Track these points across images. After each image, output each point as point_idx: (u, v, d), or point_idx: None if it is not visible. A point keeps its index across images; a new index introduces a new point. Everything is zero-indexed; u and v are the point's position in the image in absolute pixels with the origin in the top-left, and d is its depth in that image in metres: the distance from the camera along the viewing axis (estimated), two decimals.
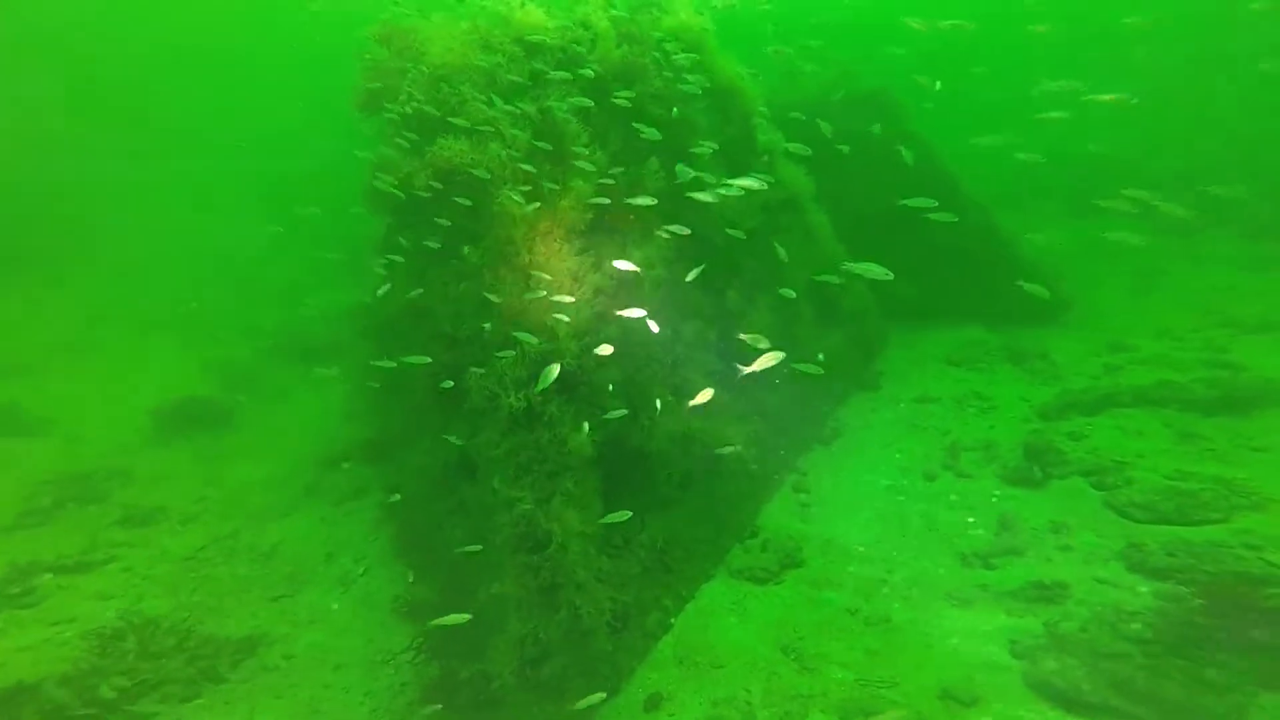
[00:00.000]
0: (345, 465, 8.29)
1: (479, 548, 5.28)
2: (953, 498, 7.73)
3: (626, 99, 6.76)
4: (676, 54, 7.69)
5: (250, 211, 21.03)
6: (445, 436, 5.91)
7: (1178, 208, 7.54)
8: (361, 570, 6.80)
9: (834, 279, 6.92)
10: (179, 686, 5.10)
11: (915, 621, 6.04)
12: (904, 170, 9.06)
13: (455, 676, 4.95)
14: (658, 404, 6.37)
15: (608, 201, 6.41)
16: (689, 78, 7.64)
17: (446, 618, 4.50)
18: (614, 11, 7.73)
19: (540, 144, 6.25)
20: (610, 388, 6.06)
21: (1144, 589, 6.05)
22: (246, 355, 13.65)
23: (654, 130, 6.68)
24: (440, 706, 4.71)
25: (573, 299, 5.72)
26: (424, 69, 6.57)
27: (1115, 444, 8.14)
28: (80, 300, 16.92)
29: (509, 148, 6.04)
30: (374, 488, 8.19)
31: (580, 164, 6.23)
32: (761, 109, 9.29)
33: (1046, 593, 6.28)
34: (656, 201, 6.54)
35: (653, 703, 5.31)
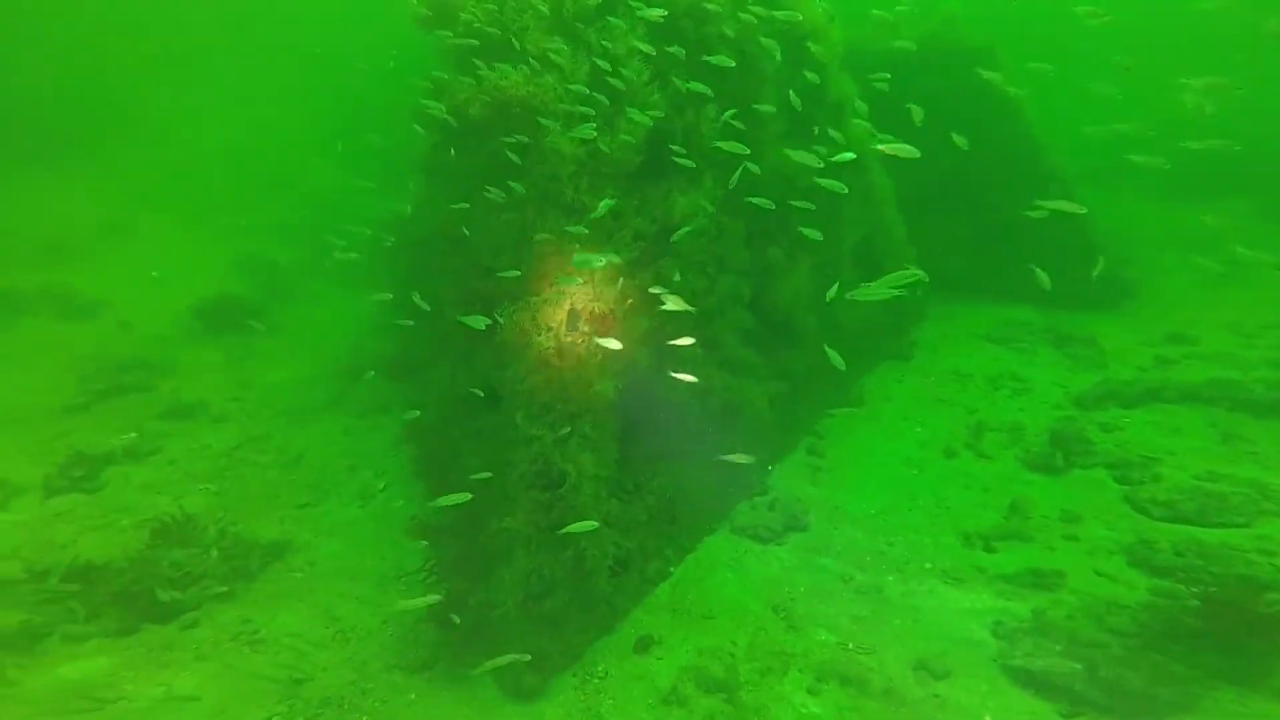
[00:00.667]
0: (369, 375, 8.61)
1: (489, 475, 5.53)
2: (968, 477, 7.74)
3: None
4: None
5: (312, 121, 20.81)
6: (472, 383, 6.06)
7: None
8: (381, 486, 7.26)
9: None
10: (215, 581, 5.67)
11: (905, 594, 6.22)
12: (986, 136, 8.47)
13: (460, 600, 5.36)
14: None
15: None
16: (759, 12, 7.20)
17: (449, 497, 4.80)
18: None
19: (597, 82, 6.04)
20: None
21: (1142, 585, 6.12)
22: (284, 257, 14.08)
23: (725, 57, 6.39)
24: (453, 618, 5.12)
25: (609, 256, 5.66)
26: None
27: (1148, 439, 7.98)
28: (127, 185, 17.42)
29: (566, 81, 5.86)
30: (398, 403, 8.56)
31: (633, 112, 6.02)
32: (838, 55, 8.72)
33: (1041, 580, 6.38)
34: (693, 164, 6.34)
35: (643, 644, 5.67)
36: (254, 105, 22.17)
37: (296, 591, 5.82)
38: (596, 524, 5.21)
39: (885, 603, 6.16)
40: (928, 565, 6.58)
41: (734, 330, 7.17)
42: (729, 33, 7.16)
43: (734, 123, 6.71)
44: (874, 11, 12.24)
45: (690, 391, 6.57)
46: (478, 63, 6.04)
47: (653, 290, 5.43)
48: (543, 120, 5.60)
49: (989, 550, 6.76)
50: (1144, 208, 14.82)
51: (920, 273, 5.20)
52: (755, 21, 7.31)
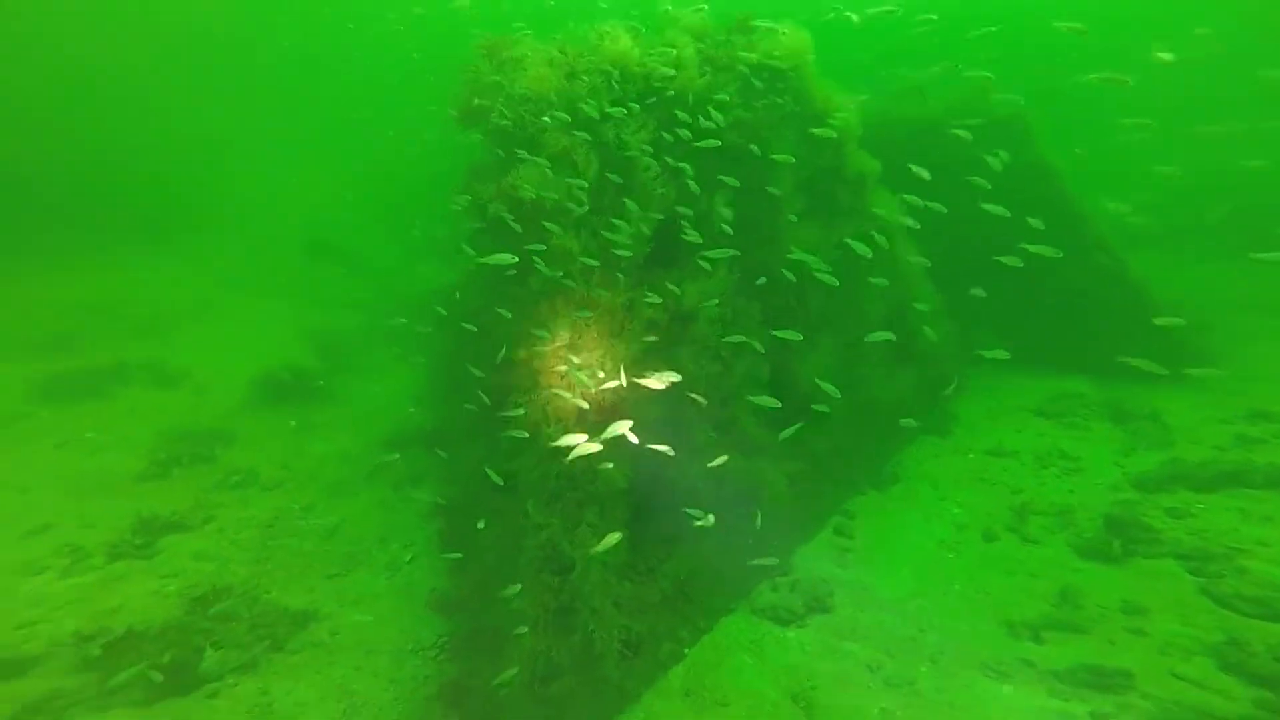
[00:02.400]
0: (395, 457, 9.12)
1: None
2: (1011, 562, 7.32)
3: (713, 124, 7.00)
4: (761, 81, 7.77)
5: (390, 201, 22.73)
6: (496, 464, 6.38)
7: None
8: (408, 558, 7.52)
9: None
10: (240, 652, 5.95)
11: (941, 689, 5.84)
12: (1024, 203, 8.56)
13: (470, 680, 5.43)
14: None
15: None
16: (778, 101, 7.77)
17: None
18: (701, 44, 7.94)
19: (610, 176, 6.61)
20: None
21: (1243, 695, 5.47)
22: (345, 327, 15.21)
23: (714, 140, 6.90)
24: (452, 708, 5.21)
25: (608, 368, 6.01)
26: (515, 90, 7.08)
27: (1230, 528, 7.31)
28: (212, 262, 19.44)
29: (579, 178, 6.43)
30: (432, 476, 8.95)
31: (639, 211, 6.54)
32: (856, 130, 9.16)
33: (1104, 679, 5.84)
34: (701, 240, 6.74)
35: None
36: (329, 184, 24.48)
37: (316, 663, 6.00)
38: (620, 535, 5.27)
39: (917, 696, 5.79)
40: (966, 656, 6.18)
41: (751, 413, 7.29)
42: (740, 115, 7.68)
43: (733, 213, 7.09)
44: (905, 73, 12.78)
45: (705, 475, 6.68)
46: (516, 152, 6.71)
47: (650, 379, 5.66)
48: (548, 225, 6.12)
49: (1037, 641, 6.30)
50: (1221, 267, 14.16)
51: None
52: (767, 109, 7.87)
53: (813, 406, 7.70)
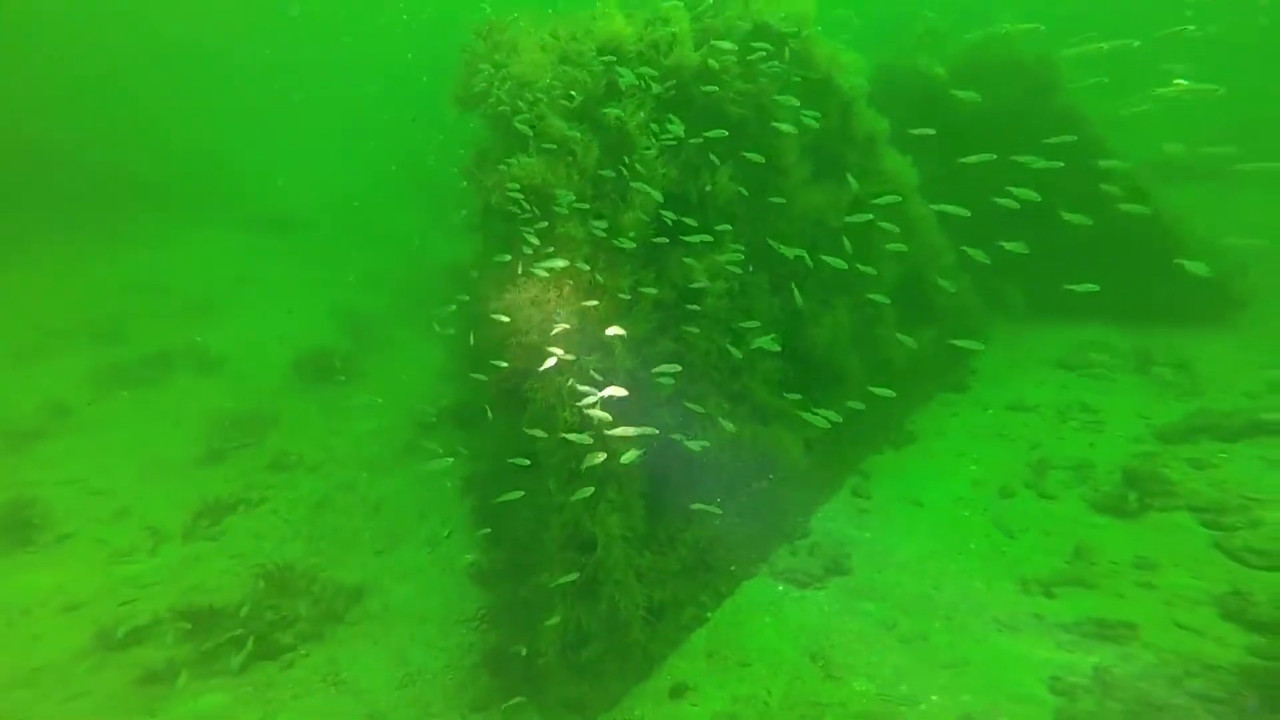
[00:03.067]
0: (436, 449, 9.64)
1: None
2: (1027, 519, 7.56)
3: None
4: (761, 49, 7.61)
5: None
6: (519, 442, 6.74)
7: None
8: (446, 533, 8.12)
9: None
10: (307, 625, 6.65)
11: (953, 643, 6.22)
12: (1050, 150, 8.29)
13: (509, 649, 6.00)
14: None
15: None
16: (778, 70, 7.64)
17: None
18: (697, 15, 7.77)
19: (610, 159, 6.67)
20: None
21: (1237, 641, 5.75)
22: (373, 307, 15.70)
23: (721, 131, 6.89)
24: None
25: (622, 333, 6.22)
26: (510, 73, 7.09)
27: (1252, 478, 7.38)
28: (249, 240, 20.07)
29: (578, 167, 6.52)
30: (464, 452, 9.43)
31: (640, 186, 6.59)
32: (863, 90, 8.93)
33: (1109, 631, 6.14)
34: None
35: (678, 691, 6.05)
36: (360, 156, 24.49)
37: (374, 634, 6.69)
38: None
39: (931, 651, 6.18)
40: (979, 611, 6.52)
41: (764, 381, 7.48)
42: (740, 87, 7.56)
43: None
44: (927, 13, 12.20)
45: (721, 444, 6.95)
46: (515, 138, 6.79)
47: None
48: (557, 208, 6.24)
49: (1049, 596, 6.60)
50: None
51: None
52: (768, 79, 7.71)
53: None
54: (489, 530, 7.41)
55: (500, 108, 6.85)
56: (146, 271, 16.99)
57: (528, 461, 6.38)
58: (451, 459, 7.89)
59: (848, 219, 8.30)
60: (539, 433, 6.09)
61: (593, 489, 5.94)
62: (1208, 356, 9.59)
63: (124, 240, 18.84)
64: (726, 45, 7.20)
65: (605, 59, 6.90)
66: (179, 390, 12.46)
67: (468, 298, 7.52)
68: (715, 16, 7.86)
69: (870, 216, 7.53)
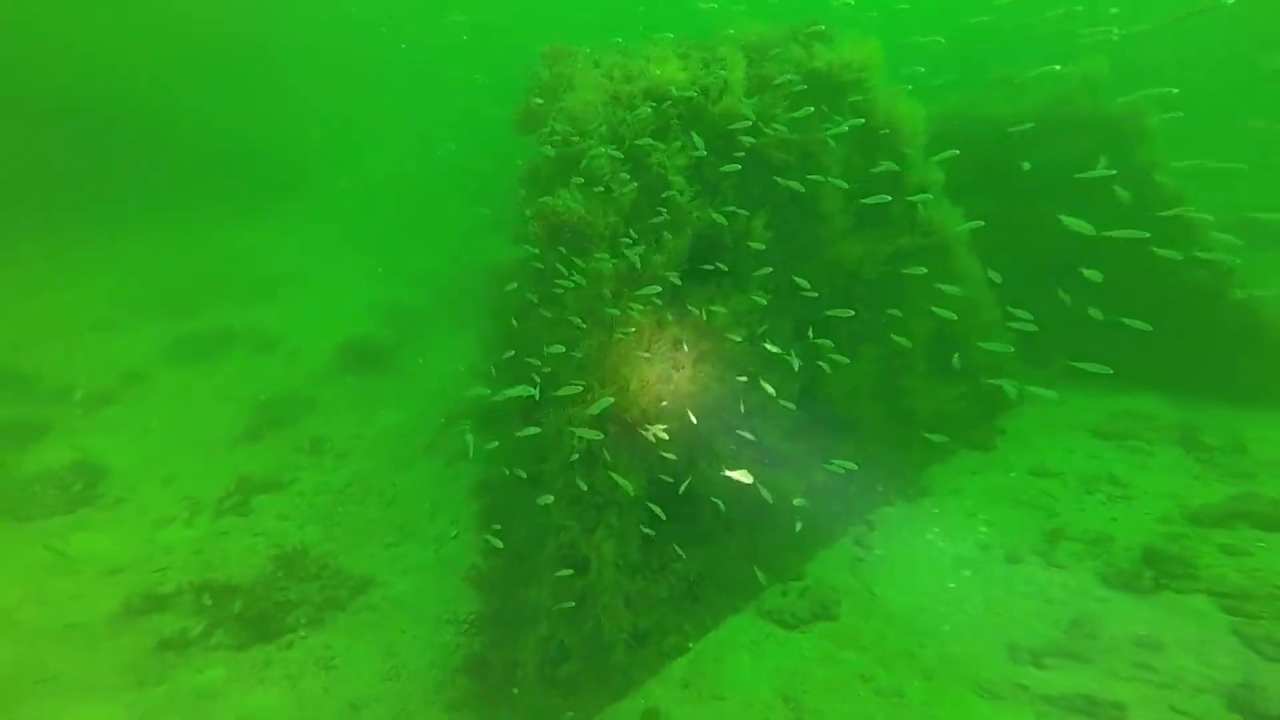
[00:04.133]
0: (465, 435, 10.09)
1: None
2: (1030, 585, 7.44)
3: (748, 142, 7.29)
4: (818, 96, 7.86)
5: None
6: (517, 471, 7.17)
7: None
8: (454, 533, 8.61)
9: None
10: (311, 609, 7.21)
11: (929, 703, 6.23)
12: (1122, 211, 8.08)
13: (492, 655, 6.38)
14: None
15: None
16: (836, 117, 7.91)
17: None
18: (754, 61, 8.06)
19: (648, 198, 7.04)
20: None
21: None
22: (418, 299, 16.52)
23: (734, 165, 7.17)
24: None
25: (646, 355, 6.55)
26: (564, 106, 7.56)
27: None
28: (308, 231, 21.44)
29: (615, 206, 6.88)
30: (480, 454, 9.91)
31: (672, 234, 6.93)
32: (920, 140, 9.04)
33: (1096, 709, 5.99)
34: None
35: (650, 715, 6.27)
36: (408, 148, 25.75)
37: (370, 625, 7.19)
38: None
39: (905, 709, 6.22)
40: (961, 674, 6.50)
41: (775, 426, 7.67)
42: (784, 130, 7.78)
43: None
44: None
45: (725, 483, 7.19)
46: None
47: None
48: (588, 246, 6.64)
49: (1038, 666, 6.51)
50: None
51: None
52: (815, 122, 7.91)
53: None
54: (491, 536, 7.84)
55: (553, 138, 7.33)
56: (219, 257, 18.45)
57: (524, 475, 6.77)
58: (471, 437, 8.28)
59: (886, 269, 8.45)
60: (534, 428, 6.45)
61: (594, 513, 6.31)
62: (1266, 439, 9.14)
63: (202, 222, 20.52)
64: (747, 110, 7.45)
65: (654, 102, 7.29)
66: (235, 367, 13.53)
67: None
68: (775, 63, 8.14)
69: (920, 270, 7.60)
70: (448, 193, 21.31)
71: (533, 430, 6.48)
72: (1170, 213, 9.36)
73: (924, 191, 8.98)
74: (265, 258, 18.85)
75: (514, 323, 7.79)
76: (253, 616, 7.00)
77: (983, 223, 8.07)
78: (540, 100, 8.12)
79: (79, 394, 12.13)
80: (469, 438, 9.01)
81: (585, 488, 6.49)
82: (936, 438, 8.09)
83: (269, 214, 21.91)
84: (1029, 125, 9.97)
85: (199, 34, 28.43)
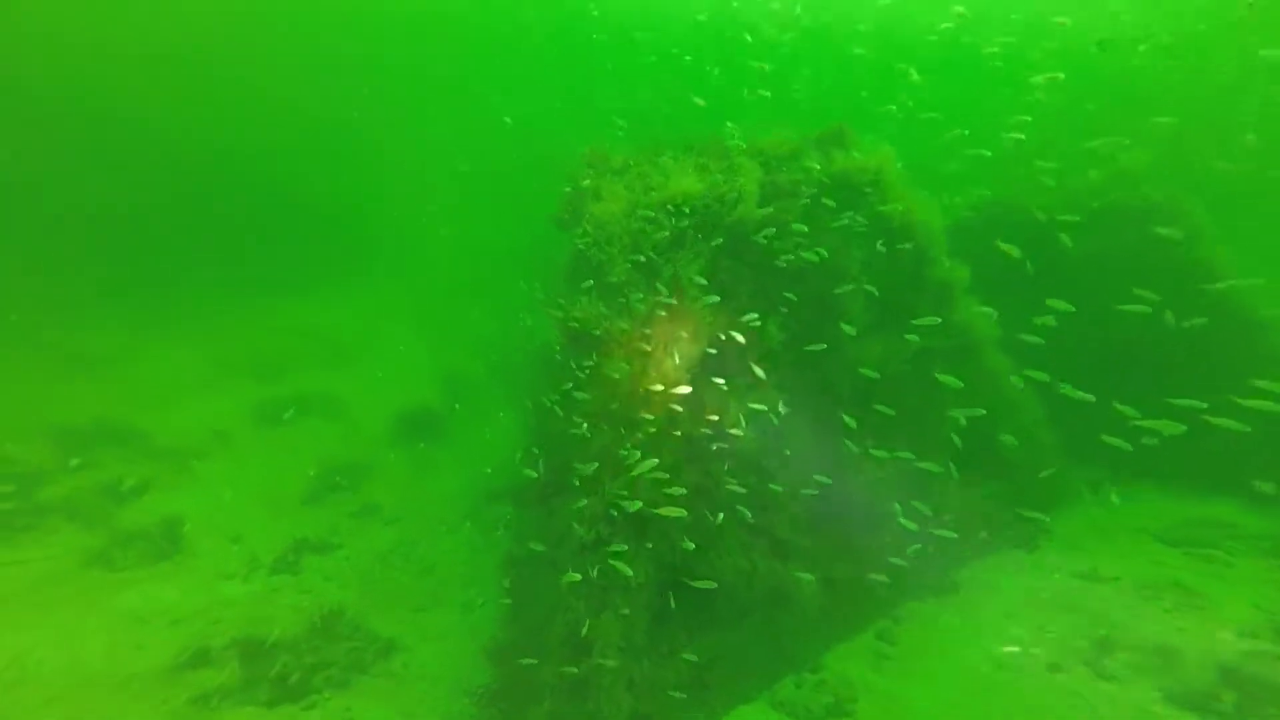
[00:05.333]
0: (502, 508, 10.69)
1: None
2: (1076, 697, 6.94)
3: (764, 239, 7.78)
4: (834, 200, 8.32)
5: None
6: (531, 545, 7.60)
7: None
8: (481, 602, 8.98)
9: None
10: (337, 671, 7.67)
11: None
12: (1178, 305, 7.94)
13: None
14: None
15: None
16: (850, 218, 8.37)
17: None
18: (769, 169, 8.67)
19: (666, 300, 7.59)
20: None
21: None
22: (476, 369, 17.57)
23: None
24: None
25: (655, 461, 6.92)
26: (592, 213, 8.36)
27: None
28: (381, 299, 23.29)
29: (631, 312, 7.45)
30: (515, 527, 10.34)
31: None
32: (941, 239, 9.26)
33: None
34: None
35: None
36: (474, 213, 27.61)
37: (390, 690, 7.55)
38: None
39: None
40: None
41: (789, 520, 7.75)
42: (799, 234, 8.21)
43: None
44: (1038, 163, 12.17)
45: (736, 571, 7.32)
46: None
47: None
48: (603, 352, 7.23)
49: None
50: None
51: None
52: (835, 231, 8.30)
53: None
54: (509, 606, 8.21)
55: (583, 239, 8.12)
56: (303, 323, 20.49)
57: (541, 548, 7.14)
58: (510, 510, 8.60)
59: (910, 367, 8.54)
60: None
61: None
62: None
63: (295, 291, 22.88)
64: (759, 214, 8.02)
65: (671, 211, 7.95)
66: (307, 431, 14.81)
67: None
68: (790, 170, 8.70)
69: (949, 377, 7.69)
70: (512, 266, 22.95)
71: (543, 511, 6.92)
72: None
73: (947, 290, 9.11)
74: (349, 322, 20.75)
75: (546, 405, 8.39)
76: (285, 675, 7.54)
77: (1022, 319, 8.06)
78: (574, 203, 9.01)
79: (176, 453, 13.65)
80: (505, 512, 9.56)
81: (593, 572, 6.82)
82: (947, 533, 7.82)
83: (359, 278, 24.22)
84: (1074, 218, 10.04)
85: (300, 114, 32.33)
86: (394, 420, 14.59)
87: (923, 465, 8.57)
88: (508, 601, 8.56)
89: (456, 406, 15.63)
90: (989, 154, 10.13)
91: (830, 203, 8.34)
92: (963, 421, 8.00)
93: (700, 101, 11.90)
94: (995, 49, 14.71)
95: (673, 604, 7.39)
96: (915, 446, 8.31)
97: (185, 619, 8.88)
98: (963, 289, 9.23)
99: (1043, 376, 7.44)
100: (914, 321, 8.06)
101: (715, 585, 6.84)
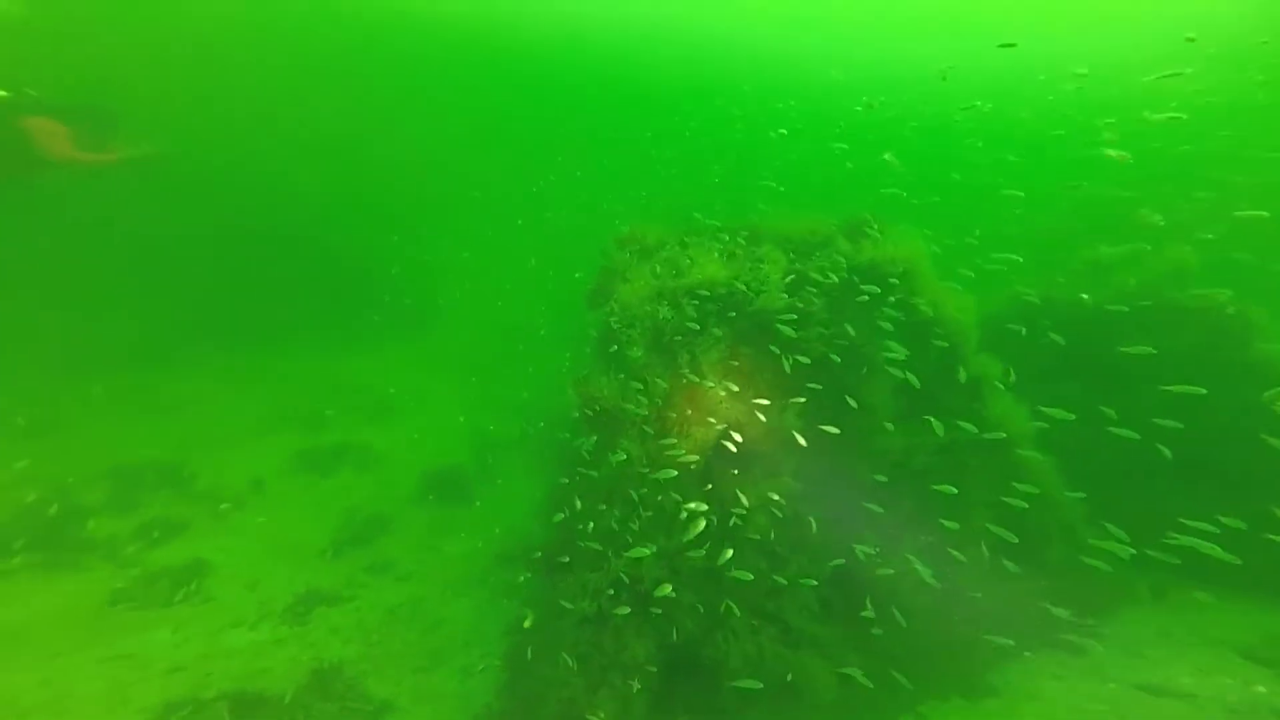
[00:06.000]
0: (512, 573, 10.46)
1: None
2: None
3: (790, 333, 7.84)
4: (860, 292, 8.34)
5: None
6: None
7: None
8: (481, 667, 8.64)
9: None
10: None
11: None
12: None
13: None
14: None
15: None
16: (886, 311, 8.37)
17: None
18: (795, 258, 8.84)
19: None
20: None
21: None
22: (509, 431, 17.66)
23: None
24: None
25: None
26: (618, 296, 8.57)
27: None
28: (430, 353, 23.94)
29: (648, 395, 7.53)
30: (525, 594, 10.08)
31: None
32: (971, 334, 9.13)
33: None
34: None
35: None
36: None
37: None
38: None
39: None
40: None
41: (801, 607, 7.35)
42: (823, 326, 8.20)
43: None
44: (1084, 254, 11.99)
45: (742, 657, 6.93)
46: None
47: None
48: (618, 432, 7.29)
49: None
50: None
51: None
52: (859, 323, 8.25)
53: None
54: (506, 676, 7.91)
55: (611, 319, 8.33)
56: (350, 376, 21.28)
57: (532, 620, 6.92)
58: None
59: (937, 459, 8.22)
60: None
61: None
62: None
63: (355, 347, 23.94)
64: (782, 303, 8.14)
65: (694, 297, 8.08)
66: (339, 483, 15.09)
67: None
68: (816, 260, 8.76)
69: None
70: (561, 336, 23.54)
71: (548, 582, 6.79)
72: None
73: (978, 385, 8.83)
74: (398, 379, 21.34)
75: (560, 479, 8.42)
76: None
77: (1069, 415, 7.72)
78: (605, 282, 9.27)
79: (214, 498, 14.12)
80: (514, 578, 9.38)
81: (591, 648, 6.62)
82: (1002, 639, 7.16)
83: (417, 338, 25.17)
84: (1123, 308, 9.68)
85: (373, 176, 34.67)
86: (421, 478, 14.68)
87: (954, 553, 8.09)
88: (508, 670, 8.25)
89: (484, 468, 15.66)
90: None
91: (858, 291, 8.33)
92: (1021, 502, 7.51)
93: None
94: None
95: (674, 686, 7.00)
96: (945, 538, 7.85)
97: (183, 667, 8.85)
98: (993, 383, 8.96)
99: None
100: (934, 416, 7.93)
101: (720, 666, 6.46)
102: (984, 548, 8.05)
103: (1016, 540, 7.39)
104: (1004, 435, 8.41)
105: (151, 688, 8.45)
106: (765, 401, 7.64)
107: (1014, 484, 7.90)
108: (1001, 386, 8.88)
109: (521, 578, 9.79)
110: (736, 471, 7.58)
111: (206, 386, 20.21)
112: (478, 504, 14.12)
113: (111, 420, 17.85)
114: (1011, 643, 7.45)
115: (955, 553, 7.99)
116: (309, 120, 35.44)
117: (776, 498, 7.37)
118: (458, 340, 25.46)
